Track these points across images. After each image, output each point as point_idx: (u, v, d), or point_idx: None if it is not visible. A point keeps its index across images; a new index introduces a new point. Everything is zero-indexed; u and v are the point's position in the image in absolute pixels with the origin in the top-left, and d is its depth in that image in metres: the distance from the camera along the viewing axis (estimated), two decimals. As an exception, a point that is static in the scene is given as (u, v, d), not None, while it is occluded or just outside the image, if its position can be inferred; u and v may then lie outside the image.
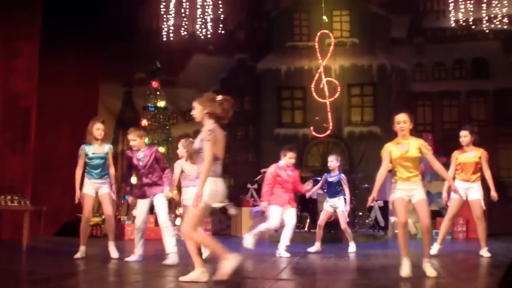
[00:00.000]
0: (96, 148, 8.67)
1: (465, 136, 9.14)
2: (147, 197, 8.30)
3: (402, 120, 6.59)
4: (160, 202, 8.26)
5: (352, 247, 9.94)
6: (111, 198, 8.72)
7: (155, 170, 8.34)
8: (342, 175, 10.30)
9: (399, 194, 6.51)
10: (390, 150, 6.60)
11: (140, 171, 8.34)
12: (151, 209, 8.54)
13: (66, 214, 14.34)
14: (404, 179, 6.53)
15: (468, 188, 8.93)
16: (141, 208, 8.32)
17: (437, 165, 6.67)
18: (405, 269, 6.35)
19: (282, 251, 9.10)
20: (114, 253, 8.48)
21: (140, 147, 8.39)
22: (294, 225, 9.31)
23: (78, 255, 8.42)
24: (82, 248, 8.50)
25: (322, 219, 10.32)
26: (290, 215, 9.23)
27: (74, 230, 13.52)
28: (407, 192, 6.51)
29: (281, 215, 9.20)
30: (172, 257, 7.88)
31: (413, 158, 6.54)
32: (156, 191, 8.29)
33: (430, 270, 6.38)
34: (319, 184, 10.56)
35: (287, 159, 9.32)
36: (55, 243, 9.88)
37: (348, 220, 10.45)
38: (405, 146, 6.55)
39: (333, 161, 10.23)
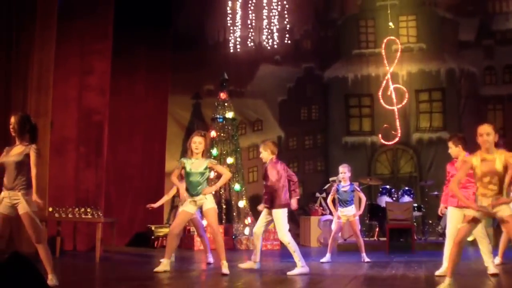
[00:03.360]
0: (194, 164, 8.18)
1: None
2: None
3: (485, 132, 5.92)
4: (277, 216, 8.36)
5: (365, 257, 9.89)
6: (215, 213, 8.31)
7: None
8: (354, 184, 10.32)
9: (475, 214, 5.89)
10: (475, 166, 5.93)
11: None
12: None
13: (138, 225, 14.70)
14: (487, 195, 5.87)
15: None
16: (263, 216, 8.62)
17: None
18: None
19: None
20: (225, 269, 7.96)
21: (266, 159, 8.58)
22: None
23: (159, 268, 8.12)
24: (165, 261, 8.17)
25: (336, 231, 10.22)
26: None
27: (145, 241, 13.90)
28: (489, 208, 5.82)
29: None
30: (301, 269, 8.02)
31: (499, 173, 5.85)
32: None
33: None
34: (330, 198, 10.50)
35: None
36: (127, 253, 10.15)
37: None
38: (490, 163, 5.86)
39: (346, 172, 10.08)
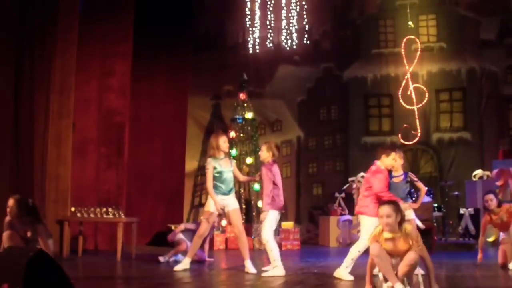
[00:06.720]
0: (222, 162, 8.36)
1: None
2: None
3: (385, 214, 5.48)
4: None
5: None
6: (239, 213, 8.46)
7: None
8: (409, 172, 8.41)
9: None
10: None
11: None
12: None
13: (158, 225, 14.79)
14: None
15: None
16: None
17: None
18: None
19: None
20: (251, 268, 8.07)
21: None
22: None
23: (180, 266, 8.23)
24: (186, 260, 8.32)
25: None
26: None
27: (166, 240, 13.97)
28: None
29: None
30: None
31: (404, 251, 5.52)
32: None
33: None
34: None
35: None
36: (148, 253, 10.25)
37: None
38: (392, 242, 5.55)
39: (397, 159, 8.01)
